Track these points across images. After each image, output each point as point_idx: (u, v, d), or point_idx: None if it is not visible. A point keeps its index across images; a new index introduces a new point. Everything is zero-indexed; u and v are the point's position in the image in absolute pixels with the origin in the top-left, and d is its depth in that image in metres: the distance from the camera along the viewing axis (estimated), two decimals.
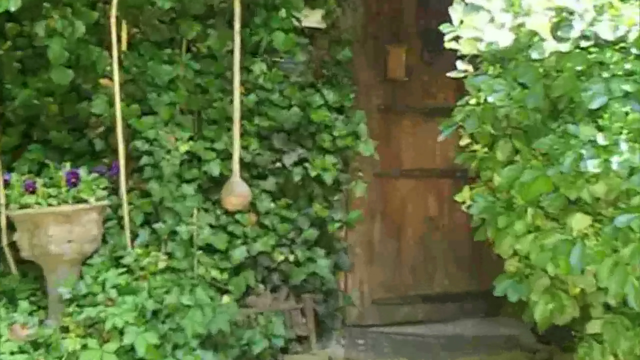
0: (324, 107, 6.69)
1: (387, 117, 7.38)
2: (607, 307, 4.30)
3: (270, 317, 6.33)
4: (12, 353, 5.29)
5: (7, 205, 6.06)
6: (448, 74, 4.68)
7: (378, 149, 6.85)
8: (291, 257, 6.59)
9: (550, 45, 4.13)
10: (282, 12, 6.57)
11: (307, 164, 6.65)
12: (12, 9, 5.53)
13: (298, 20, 6.70)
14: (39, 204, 5.86)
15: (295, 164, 6.64)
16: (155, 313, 5.65)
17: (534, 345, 6.62)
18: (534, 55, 4.18)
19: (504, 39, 4.31)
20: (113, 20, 6.15)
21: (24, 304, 5.77)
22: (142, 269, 5.92)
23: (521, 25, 4.28)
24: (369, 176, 7.08)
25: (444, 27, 4.60)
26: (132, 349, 5.35)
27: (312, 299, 6.66)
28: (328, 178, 6.62)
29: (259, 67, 6.59)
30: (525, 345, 6.65)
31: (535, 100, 4.24)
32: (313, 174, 6.61)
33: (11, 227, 6.12)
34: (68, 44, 6.12)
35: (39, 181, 5.92)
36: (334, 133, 6.71)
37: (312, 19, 6.81)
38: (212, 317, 5.81)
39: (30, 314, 5.73)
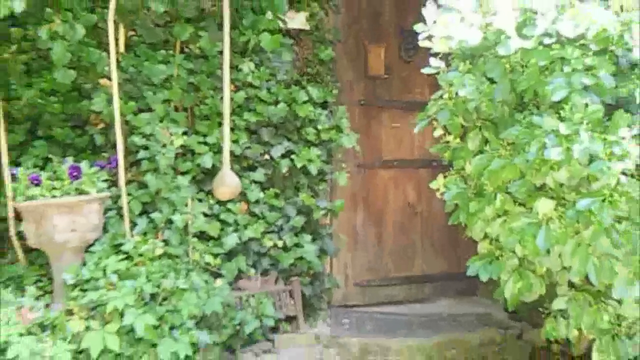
0: (309, 103, 6.72)
1: (368, 112, 7.39)
2: (571, 285, 4.32)
3: (260, 299, 6.36)
4: (20, 334, 5.28)
5: (14, 198, 6.08)
6: (423, 70, 4.69)
7: (360, 142, 6.91)
8: (280, 243, 6.61)
9: (516, 43, 4.14)
10: (269, 15, 6.55)
11: (293, 156, 6.68)
12: (17, 10, 5.52)
13: (284, 22, 6.67)
14: (43, 195, 5.87)
15: (283, 156, 6.68)
16: (153, 296, 5.65)
17: (506, 322, 6.66)
18: (501, 52, 4.18)
19: (473, 38, 4.32)
20: (111, 24, 6.15)
21: (31, 289, 5.77)
22: (140, 255, 5.91)
23: (489, 24, 4.29)
24: (351, 167, 7.11)
25: (418, 27, 4.61)
26: (132, 329, 5.36)
27: (300, 281, 6.67)
28: (313, 169, 6.65)
29: (247, 66, 6.61)
30: (498, 322, 6.69)
31: (503, 93, 4.26)
32: (299, 165, 6.64)
33: (18, 217, 6.15)
34: (69, 47, 6.11)
35: (44, 175, 5.92)
36: (318, 127, 6.75)
37: (297, 20, 6.82)
38: (206, 299, 5.82)
39: (37, 298, 5.73)
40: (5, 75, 6.52)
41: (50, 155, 6.21)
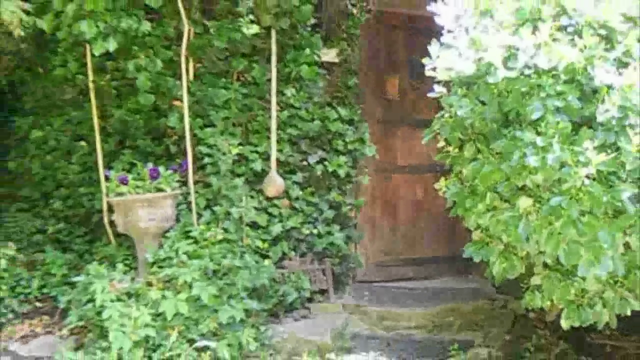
0: (338, 120, 6.70)
1: (385, 128, 7.36)
2: (545, 265, 4.28)
3: (299, 275, 6.35)
4: (111, 300, 5.33)
5: (107, 194, 6.13)
6: (429, 95, 4.67)
7: (378, 151, 6.90)
8: (314, 231, 6.59)
9: (502, 73, 4.11)
10: (307, 51, 6.60)
11: (326, 162, 6.66)
12: (111, 49, 5.58)
13: (318, 56, 6.69)
14: (130, 192, 5.92)
15: (317, 162, 6.65)
16: (214, 272, 5.69)
17: (493, 295, 6.61)
18: (490, 80, 4.15)
19: (468, 69, 4.28)
20: (183, 58, 6.21)
21: (120, 266, 5.84)
22: (205, 240, 5.92)
23: (481, 58, 4.24)
24: (372, 171, 7.09)
25: (425, 60, 4.59)
26: (198, 298, 5.39)
27: (330, 262, 6.65)
28: (341, 172, 6.64)
29: (290, 91, 6.59)
30: (487, 295, 6.65)
31: (492, 113, 4.23)
32: (330, 169, 6.63)
33: (110, 209, 6.21)
34: (150, 76, 6.17)
35: (130, 176, 5.96)
36: (345, 139, 6.73)
37: (329, 55, 6.78)
38: (256, 275, 5.83)
39: (125, 273, 5.80)
40: (101, 98, 6.59)
41: (135, 161, 6.24)
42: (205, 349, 5.14)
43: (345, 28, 6.87)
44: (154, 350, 5.17)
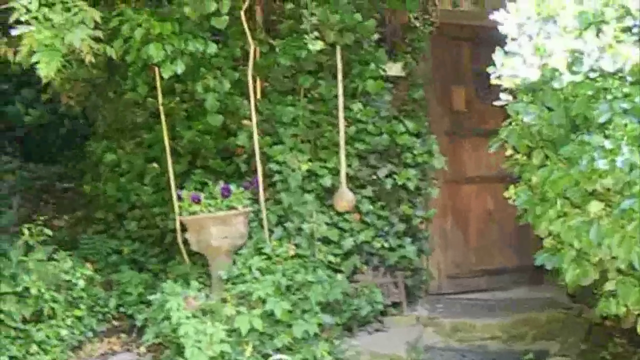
0: (406, 134, 6.71)
1: (452, 139, 7.37)
2: (619, 271, 4.26)
3: (372, 288, 6.37)
4: (187, 317, 5.46)
5: (180, 213, 6.28)
6: (494, 103, 4.70)
7: (447, 163, 6.89)
8: (386, 245, 6.59)
9: (567, 78, 4.14)
10: (372, 65, 6.66)
11: (395, 176, 6.66)
12: (179, 71, 5.75)
13: (384, 70, 6.75)
14: (202, 211, 6.06)
15: (387, 176, 6.65)
16: (288, 287, 5.77)
17: (568, 304, 6.56)
18: (556, 85, 4.18)
19: (533, 75, 4.33)
20: (250, 78, 6.34)
21: (194, 283, 5.95)
22: (277, 256, 6.03)
23: (545, 64, 4.29)
24: (441, 183, 7.10)
25: (490, 69, 4.63)
26: (272, 313, 5.50)
27: (403, 275, 6.68)
28: (411, 185, 6.66)
29: (356, 106, 6.65)
30: (561, 304, 6.59)
31: (559, 119, 4.25)
32: (400, 182, 6.64)
33: (184, 228, 6.36)
34: (219, 97, 6.33)
35: (202, 195, 6.10)
36: (414, 152, 6.73)
37: (395, 69, 6.84)
38: (329, 289, 5.90)
39: (199, 290, 5.89)
40: (171, 120, 6.76)
41: (206, 180, 6.38)
42: None
43: (409, 41, 6.93)
44: None
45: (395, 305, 6.64)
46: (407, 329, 6.36)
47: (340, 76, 6.43)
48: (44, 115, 8.88)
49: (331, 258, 6.30)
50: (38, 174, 8.87)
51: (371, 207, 6.61)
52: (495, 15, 4.66)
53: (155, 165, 7.09)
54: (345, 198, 6.37)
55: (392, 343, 5.96)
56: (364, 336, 6.18)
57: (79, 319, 6.15)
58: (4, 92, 9.07)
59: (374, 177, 6.69)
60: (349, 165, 6.52)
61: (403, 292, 6.65)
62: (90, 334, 6.18)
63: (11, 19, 5.02)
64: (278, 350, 5.37)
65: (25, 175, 8.70)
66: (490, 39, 4.86)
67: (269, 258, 6.01)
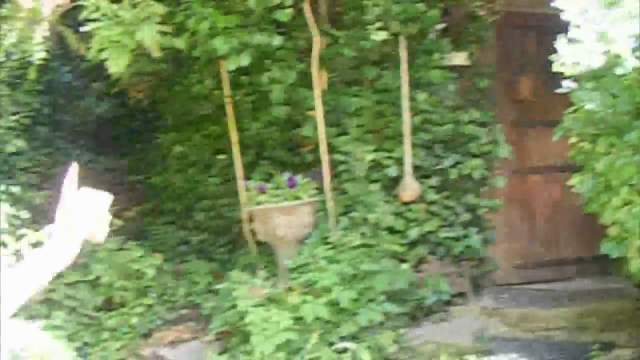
0: (471, 123, 6.72)
1: (518, 128, 7.32)
2: None
3: (437, 278, 6.39)
4: (254, 306, 5.59)
5: (246, 204, 6.42)
6: (557, 91, 4.70)
7: (512, 152, 6.86)
8: (452, 234, 6.62)
9: (631, 63, 4.13)
10: (436, 55, 6.70)
11: (460, 165, 6.67)
12: (244, 64, 5.88)
13: (448, 60, 6.76)
14: (268, 201, 6.18)
15: (452, 165, 6.67)
16: (353, 276, 5.82)
17: (635, 294, 6.48)
18: (619, 71, 4.18)
19: (597, 61, 4.33)
20: (314, 69, 6.43)
21: (261, 272, 6.09)
22: (342, 245, 6.09)
23: (609, 50, 4.28)
24: (506, 172, 7.07)
25: (553, 57, 4.64)
26: (337, 302, 5.57)
27: (469, 265, 6.71)
28: (476, 175, 6.66)
29: (421, 96, 6.67)
30: (628, 295, 6.51)
31: (623, 105, 4.25)
32: (465, 172, 6.65)
33: (250, 219, 6.50)
34: (284, 88, 6.43)
35: (268, 185, 6.23)
36: (479, 142, 6.74)
37: (459, 58, 6.82)
38: (394, 279, 5.95)
39: (266, 279, 6.03)
40: (237, 112, 6.88)
41: (272, 171, 6.50)
42: (345, 351, 5.31)
43: (473, 31, 6.91)
44: (295, 353, 5.39)
45: (460, 295, 6.65)
46: (472, 319, 6.35)
47: (404, 66, 6.47)
48: (114, 109, 9.12)
49: (396, 248, 6.32)
50: (109, 166, 9.13)
51: (437, 196, 6.63)
52: (559, 2, 4.66)
53: (222, 156, 7.25)
54: (409, 188, 6.42)
55: (457, 333, 5.99)
56: (429, 326, 6.20)
57: (149, 307, 6.37)
58: (75, 87, 9.32)
59: (439, 166, 6.71)
60: (414, 155, 6.56)
61: (468, 282, 6.68)
62: (159, 322, 6.39)
63: (82, 16, 5.21)
64: (343, 339, 5.44)
65: (97, 168, 8.95)
66: (555, 27, 4.85)
67: (334, 247, 6.08)
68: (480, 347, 5.82)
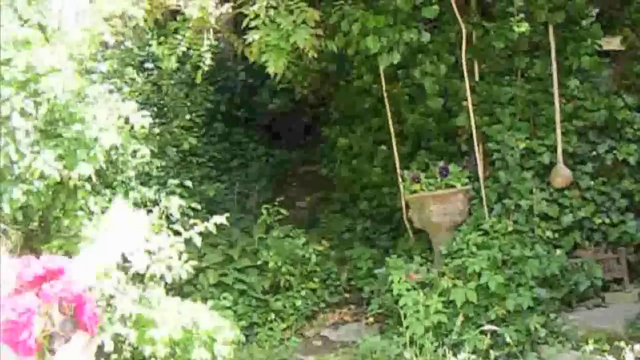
0: (626, 108, 6.69)
1: None
2: None
3: (592, 264, 6.41)
4: (407, 290, 5.93)
5: (404, 193, 6.74)
6: None
7: None
8: (607, 220, 6.61)
9: None
10: (587, 41, 6.71)
11: (615, 151, 6.66)
12: (395, 61, 6.19)
13: (600, 46, 6.76)
14: (422, 190, 6.48)
15: (606, 151, 6.68)
16: (504, 262, 6.03)
17: None
18: None
19: None
20: (464, 61, 6.62)
21: (417, 258, 6.41)
22: (495, 231, 6.27)
23: None
24: None
25: None
26: (486, 286, 5.79)
27: (626, 251, 6.65)
28: (632, 160, 6.63)
29: (573, 83, 6.73)
30: None
31: None
32: (620, 158, 6.64)
33: (407, 207, 6.83)
34: (437, 81, 6.69)
35: (422, 174, 6.52)
36: (634, 127, 6.70)
37: (613, 43, 6.81)
38: (546, 264, 6.07)
39: (421, 265, 6.33)
40: (395, 105, 7.20)
41: (429, 161, 6.77)
42: (493, 333, 5.51)
43: (628, 14, 6.86)
44: (445, 336, 5.68)
45: (616, 281, 6.64)
46: (627, 305, 6.32)
47: (554, 54, 6.55)
48: (286, 104, 9.60)
49: (550, 234, 6.44)
50: (282, 158, 9.68)
51: (591, 182, 6.66)
52: None
53: (383, 147, 7.56)
54: (561, 174, 6.50)
55: (610, 318, 6.00)
56: (583, 311, 6.25)
57: (313, 290, 6.84)
58: (250, 85, 9.89)
59: (594, 152, 6.73)
60: (567, 142, 6.62)
61: (625, 268, 6.63)
62: (322, 305, 6.85)
63: (243, 25, 5.74)
64: (492, 322, 5.59)
65: (270, 160, 9.56)
66: None
67: (486, 234, 6.26)
68: (632, 333, 5.81)
